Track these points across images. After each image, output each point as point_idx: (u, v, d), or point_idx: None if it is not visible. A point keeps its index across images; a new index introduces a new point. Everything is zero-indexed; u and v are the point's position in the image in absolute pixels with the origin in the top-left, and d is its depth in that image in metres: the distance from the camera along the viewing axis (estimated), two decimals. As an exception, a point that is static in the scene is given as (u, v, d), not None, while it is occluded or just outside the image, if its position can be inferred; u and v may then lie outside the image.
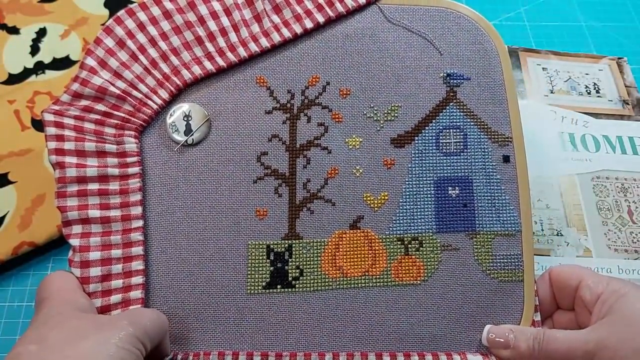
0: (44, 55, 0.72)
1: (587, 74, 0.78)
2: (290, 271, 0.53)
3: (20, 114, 0.68)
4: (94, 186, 0.50)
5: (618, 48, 0.82)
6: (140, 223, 0.51)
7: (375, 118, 0.56)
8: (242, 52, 0.54)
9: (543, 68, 0.78)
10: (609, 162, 0.71)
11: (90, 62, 0.51)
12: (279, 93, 0.55)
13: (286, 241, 0.53)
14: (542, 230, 0.65)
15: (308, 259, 0.53)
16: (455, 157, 0.56)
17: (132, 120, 0.52)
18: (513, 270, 0.54)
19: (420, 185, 0.55)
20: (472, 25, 0.58)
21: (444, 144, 0.56)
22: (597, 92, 0.76)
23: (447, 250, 0.54)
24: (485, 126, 0.56)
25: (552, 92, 0.76)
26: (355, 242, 0.54)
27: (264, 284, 0.52)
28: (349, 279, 0.53)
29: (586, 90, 0.76)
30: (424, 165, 0.55)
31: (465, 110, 0.57)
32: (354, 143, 0.55)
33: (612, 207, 0.67)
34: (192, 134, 0.53)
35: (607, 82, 0.77)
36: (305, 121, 0.55)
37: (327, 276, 0.53)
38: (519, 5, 0.87)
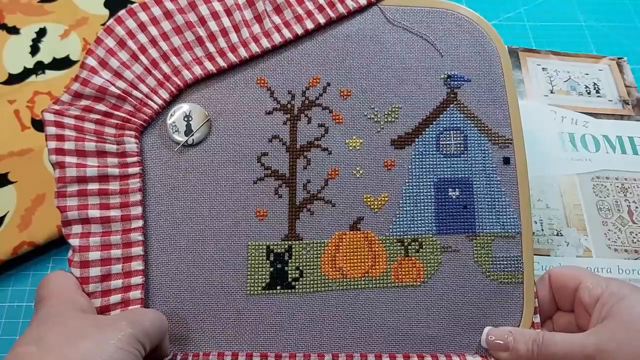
0: (44, 55, 0.72)
1: (587, 74, 0.78)
2: (290, 272, 0.53)
3: (20, 114, 0.68)
4: (94, 186, 0.50)
5: (618, 48, 0.82)
6: (140, 223, 0.51)
7: (375, 119, 0.56)
8: (243, 53, 0.54)
9: (543, 68, 0.78)
10: (609, 162, 0.71)
11: (91, 62, 0.51)
12: (280, 94, 0.55)
13: (286, 242, 0.53)
14: (542, 230, 0.66)
15: (308, 260, 0.53)
16: (455, 159, 0.56)
17: (133, 120, 0.52)
18: (513, 272, 0.54)
19: (421, 187, 0.55)
20: (473, 26, 0.58)
21: (444, 146, 0.56)
22: (597, 92, 0.76)
23: (447, 252, 0.54)
24: (486, 128, 0.56)
25: (552, 92, 0.76)
26: (355, 243, 0.54)
27: (263, 284, 0.52)
28: (348, 280, 0.53)
29: (586, 90, 0.76)
30: (424, 166, 0.55)
31: (465, 111, 0.57)
32: (354, 144, 0.55)
33: (612, 207, 0.67)
34: (193, 134, 0.53)
35: (607, 82, 0.77)
36: (305, 122, 0.55)
37: (327, 277, 0.53)
38: (519, 5, 0.87)
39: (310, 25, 0.56)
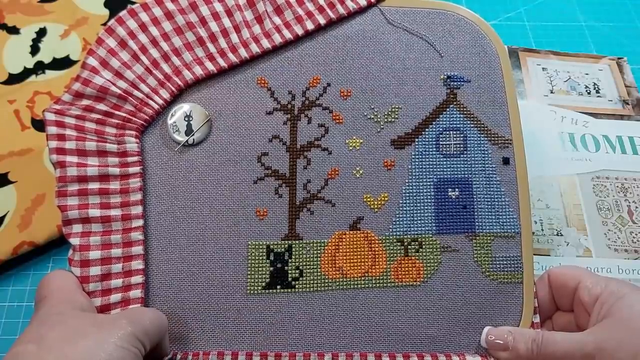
0: (44, 55, 0.72)
1: (587, 74, 0.78)
2: (290, 271, 0.53)
3: (20, 114, 0.68)
4: (94, 185, 0.50)
5: (618, 48, 0.82)
6: (140, 222, 0.51)
7: (375, 119, 0.56)
8: (243, 53, 0.54)
9: (543, 68, 0.78)
10: (609, 162, 0.71)
11: (92, 62, 0.51)
12: (280, 94, 0.55)
13: (286, 241, 0.53)
14: (542, 230, 0.66)
15: (308, 259, 0.53)
16: (455, 159, 0.56)
17: (133, 120, 0.52)
18: (512, 272, 0.54)
19: (420, 187, 0.55)
20: (473, 27, 0.58)
21: (444, 146, 0.56)
22: (597, 92, 0.76)
23: (446, 252, 0.54)
24: (485, 128, 0.56)
25: (552, 92, 0.76)
26: (355, 243, 0.54)
27: (263, 284, 0.52)
28: (348, 279, 0.53)
29: (586, 90, 0.76)
30: (424, 166, 0.56)
31: (465, 112, 0.57)
32: (354, 144, 0.55)
33: (612, 207, 0.67)
34: (193, 134, 0.53)
35: (607, 82, 0.77)
36: (305, 122, 0.55)
37: (326, 277, 0.53)
38: (519, 5, 0.87)
39: (310, 26, 0.56)
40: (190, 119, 0.53)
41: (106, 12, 0.77)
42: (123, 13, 0.53)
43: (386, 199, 0.55)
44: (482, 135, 0.56)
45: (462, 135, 0.56)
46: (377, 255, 0.54)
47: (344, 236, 0.54)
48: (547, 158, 0.70)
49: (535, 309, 0.54)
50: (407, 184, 0.55)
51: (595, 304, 0.49)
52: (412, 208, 0.55)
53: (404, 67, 0.57)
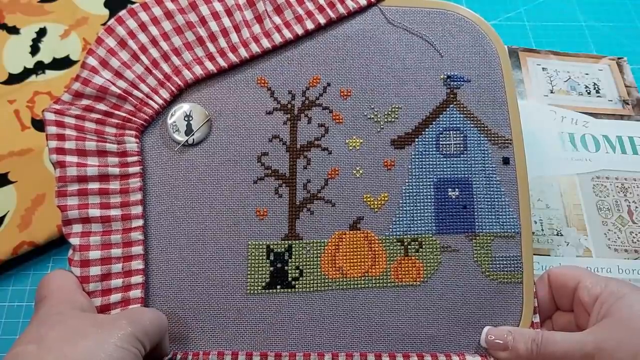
0: (44, 55, 0.73)
1: (587, 74, 0.78)
2: (290, 271, 0.53)
3: (20, 114, 0.68)
4: (94, 185, 0.50)
5: (618, 48, 0.82)
6: (140, 222, 0.51)
7: (375, 119, 0.56)
8: (243, 53, 0.54)
9: (543, 68, 0.78)
10: (609, 162, 0.71)
11: (92, 61, 0.51)
12: (280, 94, 0.55)
13: (286, 241, 0.53)
14: (542, 230, 0.66)
15: (308, 259, 0.53)
16: (455, 159, 0.56)
17: (133, 120, 0.52)
18: (512, 272, 0.54)
19: (420, 187, 0.55)
20: (473, 27, 0.58)
21: (444, 146, 0.56)
22: (597, 92, 0.76)
23: (446, 252, 0.54)
24: (485, 128, 0.56)
25: (552, 92, 0.76)
26: (355, 243, 0.54)
27: (263, 284, 0.52)
28: (348, 279, 0.53)
29: (586, 90, 0.76)
30: (424, 166, 0.56)
31: (465, 112, 0.57)
32: (354, 144, 0.55)
33: (612, 207, 0.67)
34: (193, 134, 0.53)
35: (607, 82, 0.77)
36: (305, 122, 0.55)
37: (326, 277, 0.53)
38: (519, 5, 0.87)
39: (310, 25, 0.56)
40: (190, 118, 0.53)
41: (106, 12, 0.77)
42: (123, 13, 0.53)
43: (386, 199, 0.55)
44: (482, 135, 0.56)
45: (462, 135, 0.56)
46: (377, 255, 0.54)
47: (344, 236, 0.54)
48: (547, 158, 0.70)
49: (535, 308, 0.54)
50: (407, 183, 0.55)
51: (595, 304, 0.49)
52: (412, 208, 0.55)
53: (404, 66, 0.57)
